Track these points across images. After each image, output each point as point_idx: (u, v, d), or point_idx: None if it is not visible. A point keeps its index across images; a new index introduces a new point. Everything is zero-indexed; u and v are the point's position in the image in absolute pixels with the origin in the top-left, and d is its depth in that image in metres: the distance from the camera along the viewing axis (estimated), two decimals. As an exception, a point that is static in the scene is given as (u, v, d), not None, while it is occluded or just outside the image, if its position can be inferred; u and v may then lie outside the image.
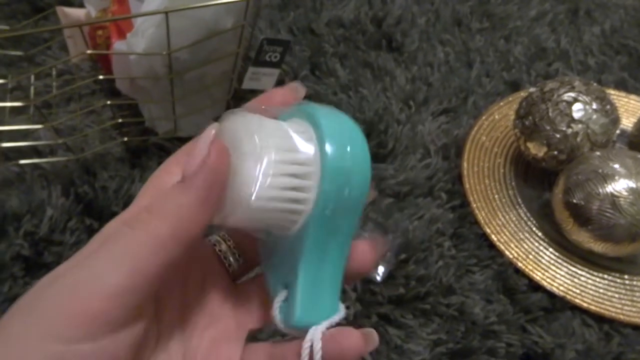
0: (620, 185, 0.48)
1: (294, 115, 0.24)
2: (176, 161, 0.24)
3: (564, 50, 0.76)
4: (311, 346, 0.22)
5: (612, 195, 0.48)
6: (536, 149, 0.56)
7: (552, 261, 0.53)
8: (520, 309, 0.50)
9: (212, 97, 0.57)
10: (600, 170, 0.49)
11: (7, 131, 0.57)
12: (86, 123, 0.59)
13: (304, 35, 0.73)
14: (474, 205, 0.56)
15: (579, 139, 0.53)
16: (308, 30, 0.74)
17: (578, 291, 0.51)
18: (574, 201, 0.50)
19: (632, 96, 0.69)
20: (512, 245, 0.53)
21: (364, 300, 0.49)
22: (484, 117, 0.64)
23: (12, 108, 0.59)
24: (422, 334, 0.47)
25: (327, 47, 0.71)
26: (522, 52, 0.74)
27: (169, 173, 0.24)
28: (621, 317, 0.49)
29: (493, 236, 0.54)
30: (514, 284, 0.51)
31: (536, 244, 0.54)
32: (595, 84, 0.56)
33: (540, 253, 0.53)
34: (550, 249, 0.54)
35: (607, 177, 0.48)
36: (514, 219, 0.56)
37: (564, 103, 0.54)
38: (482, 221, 0.55)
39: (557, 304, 0.50)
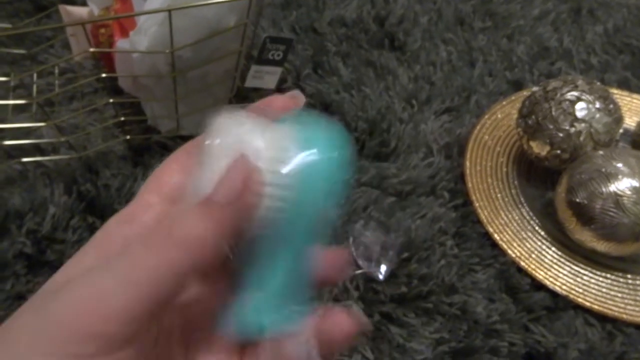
0: (623, 185, 0.48)
1: (286, 123, 0.23)
2: (176, 160, 0.24)
3: (566, 50, 0.75)
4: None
5: (616, 194, 0.48)
6: (539, 148, 0.55)
7: (554, 260, 0.53)
8: (523, 308, 0.50)
9: (215, 95, 0.57)
10: (603, 170, 0.49)
11: (10, 129, 0.57)
12: (89, 121, 0.59)
13: (307, 34, 0.73)
14: (477, 204, 0.56)
15: (582, 138, 0.53)
16: (310, 29, 0.74)
17: (581, 290, 0.51)
18: (577, 200, 0.49)
19: (635, 95, 0.69)
20: (515, 244, 0.53)
21: (366, 299, 0.49)
22: (486, 116, 0.64)
23: (15, 106, 0.59)
24: (425, 333, 0.47)
25: (330, 46, 0.71)
26: (524, 51, 0.74)
27: (169, 172, 0.24)
28: (624, 316, 0.49)
29: (495, 235, 0.54)
30: (517, 283, 0.51)
31: (539, 243, 0.54)
32: (598, 83, 0.55)
33: (543, 252, 0.53)
34: (553, 248, 0.54)
35: (611, 176, 0.48)
36: (516, 218, 0.56)
37: (567, 102, 0.53)
38: (485, 220, 0.55)
39: (559, 303, 0.50)
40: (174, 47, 0.46)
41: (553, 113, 0.54)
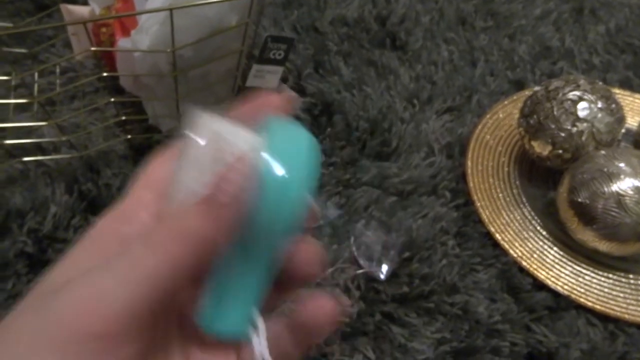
0: (625, 184, 0.48)
1: (264, 130, 0.24)
2: (167, 155, 0.24)
3: (568, 49, 0.75)
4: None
5: (618, 194, 0.47)
6: (541, 148, 0.55)
7: (556, 260, 0.53)
8: (525, 308, 0.49)
9: (216, 94, 0.57)
10: (605, 169, 0.49)
11: (11, 128, 0.57)
12: (90, 120, 0.59)
13: (308, 34, 0.73)
14: (478, 204, 0.56)
15: (584, 138, 0.53)
16: (312, 29, 0.73)
17: (583, 290, 0.50)
18: (579, 200, 0.49)
19: (637, 95, 0.69)
20: (517, 244, 0.53)
21: (367, 299, 0.49)
22: (488, 116, 0.64)
23: (16, 105, 0.59)
24: (426, 333, 0.47)
25: (331, 46, 0.71)
26: (526, 51, 0.74)
27: (160, 167, 0.24)
28: (626, 316, 0.49)
29: (497, 235, 0.54)
30: (518, 283, 0.51)
31: (540, 243, 0.54)
32: (600, 83, 0.55)
33: (545, 252, 0.53)
34: (555, 248, 0.53)
35: (613, 176, 0.48)
36: (518, 217, 0.56)
37: (569, 102, 0.53)
38: (486, 220, 0.55)
39: (561, 303, 0.50)
40: (175, 46, 0.46)
41: (555, 113, 0.53)
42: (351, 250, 0.52)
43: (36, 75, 0.62)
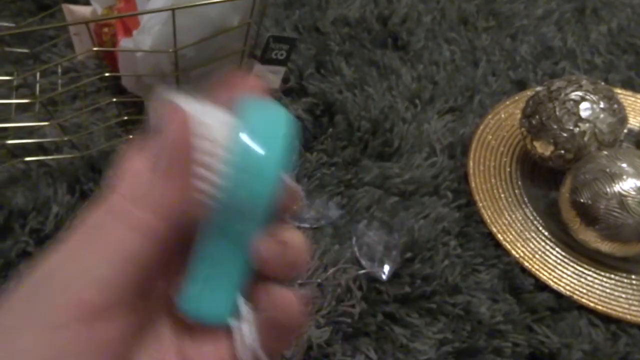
0: (628, 185, 0.48)
1: (238, 109, 0.23)
2: (146, 146, 0.24)
3: (570, 49, 0.75)
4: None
5: (620, 194, 0.47)
6: (543, 148, 0.55)
7: (558, 261, 0.53)
8: (527, 309, 0.49)
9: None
10: (607, 170, 0.49)
11: (13, 128, 0.57)
12: (92, 120, 0.59)
13: (310, 34, 0.73)
14: (480, 205, 0.56)
15: (586, 138, 0.53)
16: (313, 29, 0.73)
17: (585, 291, 0.50)
18: (581, 200, 0.49)
19: (639, 95, 0.69)
20: (519, 245, 0.53)
21: (369, 299, 0.49)
22: (490, 116, 0.64)
23: (18, 105, 0.59)
24: (428, 333, 0.47)
25: (333, 46, 0.71)
26: (528, 51, 0.74)
27: (140, 153, 0.23)
28: (628, 317, 0.49)
29: (499, 235, 0.54)
30: (520, 284, 0.51)
31: (542, 244, 0.54)
32: (602, 83, 0.55)
33: (547, 253, 0.53)
34: (557, 249, 0.53)
35: (615, 177, 0.48)
36: (520, 218, 0.56)
37: (572, 102, 0.53)
38: (488, 220, 0.55)
39: (563, 304, 0.50)
40: (177, 46, 0.46)
41: (557, 113, 0.53)
42: (353, 250, 0.52)
43: (38, 75, 0.62)
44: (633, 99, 0.68)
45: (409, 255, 0.51)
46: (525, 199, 0.57)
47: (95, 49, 0.48)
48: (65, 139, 0.54)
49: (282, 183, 0.22)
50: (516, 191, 0.58)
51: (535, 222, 0.55)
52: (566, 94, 0.54)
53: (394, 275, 0.50)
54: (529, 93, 0.65)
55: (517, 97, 0.66)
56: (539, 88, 0.57)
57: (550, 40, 0.76)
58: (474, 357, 0.46)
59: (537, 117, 0.55)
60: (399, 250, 0.51)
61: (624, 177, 0.48)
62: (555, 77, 0.68)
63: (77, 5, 0.61)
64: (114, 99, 0.54)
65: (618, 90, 0.68)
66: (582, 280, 0.51)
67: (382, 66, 0.69)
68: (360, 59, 0.70)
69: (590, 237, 0.50)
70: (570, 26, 0.79)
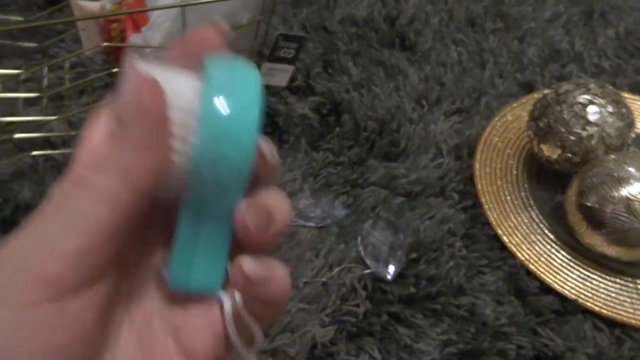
0: (635, 189, 0.47)
1: (202, 71, 0.22)
2: (108, 115, 0.23)
3: (578, 53, 0.75)
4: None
5: (627, 198, 0.47)
6: (550, 151, 0.55)
7: (563, 264, 0.52)
8: (531, 311, 0.49)
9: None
10: (615, 174, 0.49)
11: (20, 122, 0.57)
12: (99, 116, 0.59)
13: (317, 33, 0.73)
14: (486, 206, 0.56)
15: (593, 142, 0.53)
16: (321, 28, 0.73)
17: (590, 294, 0.50)
18: (588, 204, 0.49)
19: (647, 100, 0.69)
20: (524, 247, 0.53)
21: (374, 299, 0.49)
22: (496, 118, 0.64)
23: (25, 99, 0.59)
24: (432, 334, 0.47)
25: (340, 45, 0.71)
26: (535, 53, 0.74)
27: (101, 122, 0.23)
28: (633, 321, 0.49)
29: (505, 237, 0.54)
30: (525, 286, 0.51)
31: (548, 247, 0.54)
32: (610, 87, 0.55)
33: (552, 256, 0.53)
34: (562, 252, 0.53)
35: (622, 181, 0.48)
36: (525, 221, 0.55)
37: (579, 105, 0.53)
38: (494, 222, 0.55)
39: (568, 307, 0.50)
40: (186, 43, 0.46)
41: (565, 116, 0.53)
42: (358, 250, 0.52)
43: (45, 69, 0.62)
44: (640, 103, 0.68)
45: (414, 255, 0.51)
46: (531, 201, 0.57)
47: (105, 44, 0.48)
48: (73, 133, 0.54)
49: (256, 144, 0.21)
50: (522, 194, 0.58)
51: (541, 225, 0.55)
52: (574, 97, 0.54)
53: (399, 276, 0.50)
54: (536, 96, 0.65)
55: (524, 100, 0.66)
56: (547, 91, 0.57)
57: (557, 43, 0.76)
58: (478, 359, 0.46)
59: (544, 119, 0.55)
60: (404, 251, 0.51)
61: (631, 181, 0.48)
62: (563, 80, 0.68)
63: (86, 1, 0.61)
64: (122, 95, 0.54)
65: (625, 94, 0.68)
66: (587, 283, 0.51)
67: (389, 66, 0.69)
68: (367, 58, 0.70)
69: (596, 241, 0.50)
70: (578, 29, 0.79)
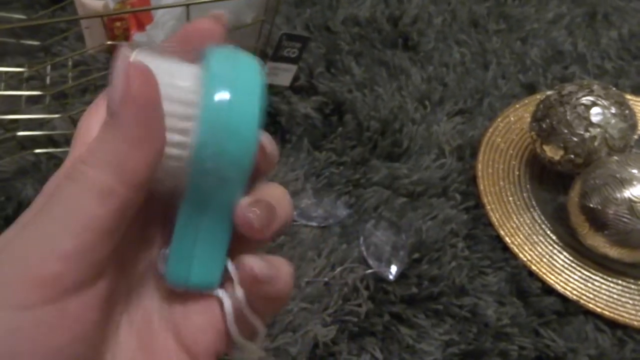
0: (637, 191, 0.47)
1: (201, 61, 0.21)
2: (104, 101, 0.22)
3: (580, 54, 0.75)
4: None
5: (630, 200, 0.47)
6: (552, 152, 0.55)
7: (566, 265, 0.52)
8: (533, 312, 0.49)
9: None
10: (618, 175, 0.49)
11: (23, 120, 0.57)
12: (102, 114, 0.59)
13: (320, 33, 0.73)
14: (488, 207, 0.56)
15: (596, 143, 0.53)
16: (324, 28, 0.73)
17: (592, 296, 0.50)
18: (591, 205, 0.49)
19: (649, 102, 0.68)
20: (526, 248, 0.53)
21: (376, 299, 0.49)
22: (499, 119, 0.64)
23: (28, 97, 0.59)
24: (434, 334, 0.47)
25: (343, 45, 0.71)
26: (538, 54, 0.74)
27: (96, 114, 0.22)
28: (635, 323, 0.49)
29: (507, 238, 0.54)
30: (527, 287, 0.51)
31: (550, 248, 0.54)
32: (614, 89, 0.55)
33: (554, 256, 0.53)
34: (565, 253, 0.53)
35: (625, 182, 0.48)
36: (528, 221, 0.55)
37: (582, 106, 0.53)
38: (496, 223, 0.55)
39: (570, 308, 0.50)
40: (190, 41, 0.46)
41: (568, 117, 0.53)
42: (360, 250, 0.52)
43: (49, 67, 0.62)
44: (643, 105, 0.68)
45: (416, 256, 0.51)
46: (534, 202, 0.57)
47: (108, 43, 0.48)
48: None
49: (258, 135, 0.21)
50: (524, 194, 0.58)
51: (543, 226, 0.55)
52: (577, 99, 0.54)
53: (401, 276, 0.50)
54: (538, 97, 0.65)
55: (526, 101, 0.66)
56: (550, 92, 0.57)
57: (560, 44, 0.76)
58: (479, 360, 0.46)
59: (547, 121, 0.55)
60: (407, 251, 0.51)
61: (634, 182, 0.48)
62: (565, 81, 0.68)
63: (89, -1, 0.61)
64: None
65: (628, 96, 0.68)
66: (589, 285, 0.51)
67: (392, 66, 0.69)
68: (370, 58, 0.70)
69: (598, 242, 0.50)
70: (581, 31, 0.79)
